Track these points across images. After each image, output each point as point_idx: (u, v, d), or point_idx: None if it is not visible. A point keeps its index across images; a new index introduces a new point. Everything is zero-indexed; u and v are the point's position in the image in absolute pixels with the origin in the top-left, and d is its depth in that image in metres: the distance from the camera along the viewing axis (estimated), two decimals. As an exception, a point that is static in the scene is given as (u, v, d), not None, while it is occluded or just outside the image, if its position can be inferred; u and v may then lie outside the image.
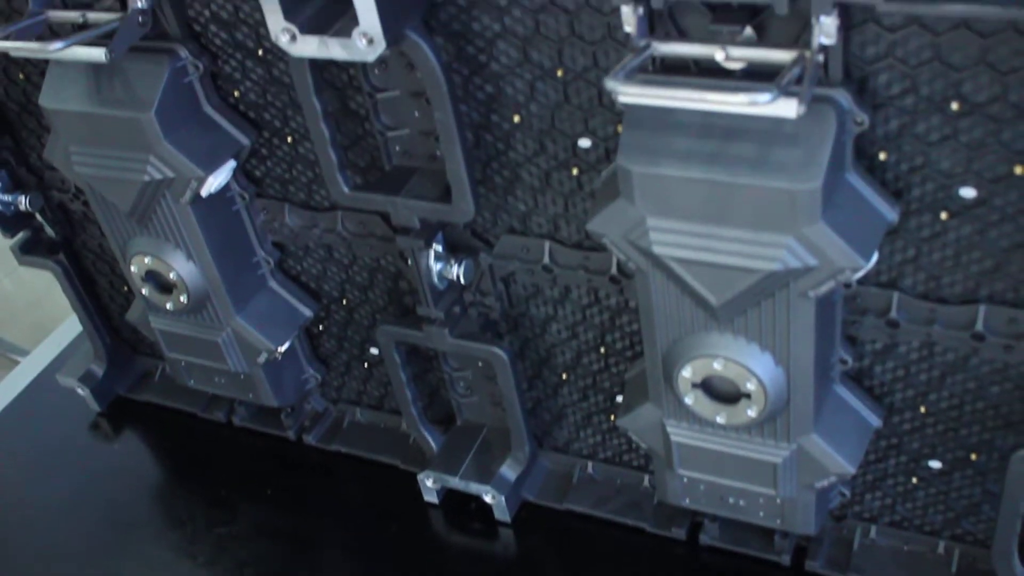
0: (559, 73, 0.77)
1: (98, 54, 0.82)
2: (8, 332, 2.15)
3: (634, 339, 0.91)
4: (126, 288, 1.19)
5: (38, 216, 1.17)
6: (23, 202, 1.13)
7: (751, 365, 0.75)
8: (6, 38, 0.85)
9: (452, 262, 0.89)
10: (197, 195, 0.92)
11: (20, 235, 1.18)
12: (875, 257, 0.72)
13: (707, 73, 0.69)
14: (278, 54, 0.87)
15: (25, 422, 1.30)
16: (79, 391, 1.26)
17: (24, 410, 1.32)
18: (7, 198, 1.13)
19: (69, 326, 1.41)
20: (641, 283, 0.75)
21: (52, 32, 0.95)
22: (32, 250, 1.18)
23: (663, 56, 0.69)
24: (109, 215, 0.99)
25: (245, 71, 0.90)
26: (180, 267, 0.98)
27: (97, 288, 1.23)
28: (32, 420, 1.30)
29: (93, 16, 0.87)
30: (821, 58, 0.65)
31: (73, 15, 0.87)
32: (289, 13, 0.74)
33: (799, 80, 0.63)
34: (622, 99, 0.65)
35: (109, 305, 1.24)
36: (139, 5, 0.84)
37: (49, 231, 1.18)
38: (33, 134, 1.10)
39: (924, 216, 0.73)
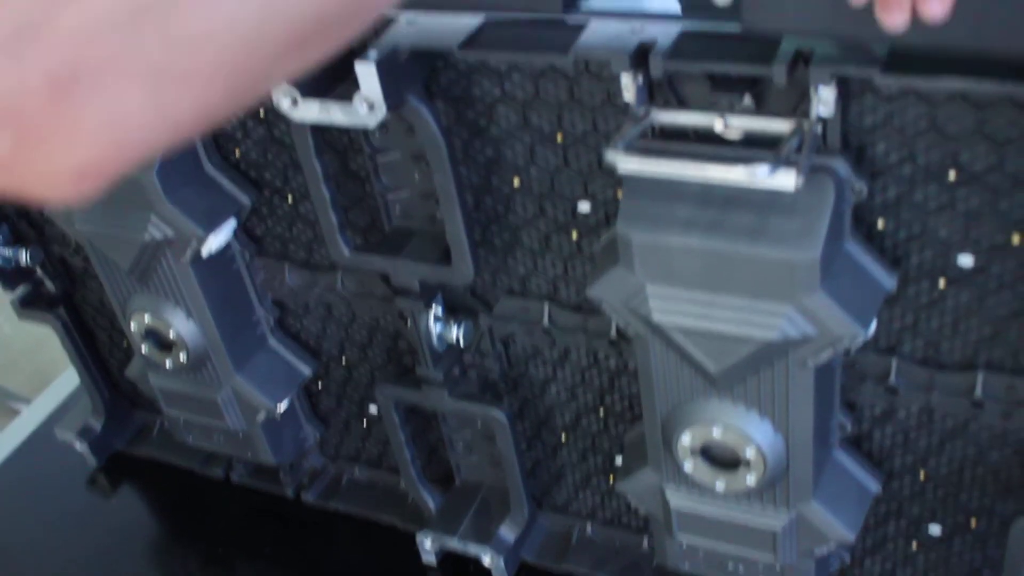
0: (558, 137, 0.77)
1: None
2: (8, 379, 2.14)
3: (633, 401, 0.91)
4: (126, 342, 1.19)
5: (38, 270, 1.17)
6: (24, 256, 1.13)
7: (750, 432, 0.75)
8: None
9: (451, 324, 0.89)
10: (197, 254, 0.92)
11: (20, 288, 1.18)
12: (873, 325, 0.72)
13: (707, 139, 0.69)
14: (279, 114, 0.88)
15: (23, 476, 1.29)
16: (77, 446, 1.26)
17: (22, 464, 1.31)
18: (7, 252, 1.13)
19: (69, 376, 1.41)
20: (640, 349, 0.75)
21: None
22: (32, 304, 1.18)
23: (662, 125, 0.70)
24: (109, 272, 0.99)
25: (246, 130, 0.91)
26: (180, 325, 0.98)
27: (97, 342, 1.23)
28: (30, 474, 1.29)
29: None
30: (819, 128, 0.66)
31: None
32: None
33: (798, 149, 0.64)
34: (622, 169, 0.65)
35: (108, 359, 1.24)
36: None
37: (49, 285, 1.18)
38: (35, 190, 1.10)
39: (923, 283, 0.73)
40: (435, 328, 0.89)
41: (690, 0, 0.69)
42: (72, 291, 1.19)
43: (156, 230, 0.90)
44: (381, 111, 0.73)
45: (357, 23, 0.38)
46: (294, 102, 0.75)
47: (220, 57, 0.34)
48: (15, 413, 1.82)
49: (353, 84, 0.73)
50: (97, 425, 1.26)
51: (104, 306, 1.17)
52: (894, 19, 0.51)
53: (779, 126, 0.65)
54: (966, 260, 0.71)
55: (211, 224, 0.91)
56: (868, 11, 0.52)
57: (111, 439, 1.27)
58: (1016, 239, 0.68)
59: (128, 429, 1.29)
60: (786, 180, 0.61)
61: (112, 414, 1.27)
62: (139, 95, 0.33)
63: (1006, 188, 0.67)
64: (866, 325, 0.69)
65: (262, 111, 0.89)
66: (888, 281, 0.72)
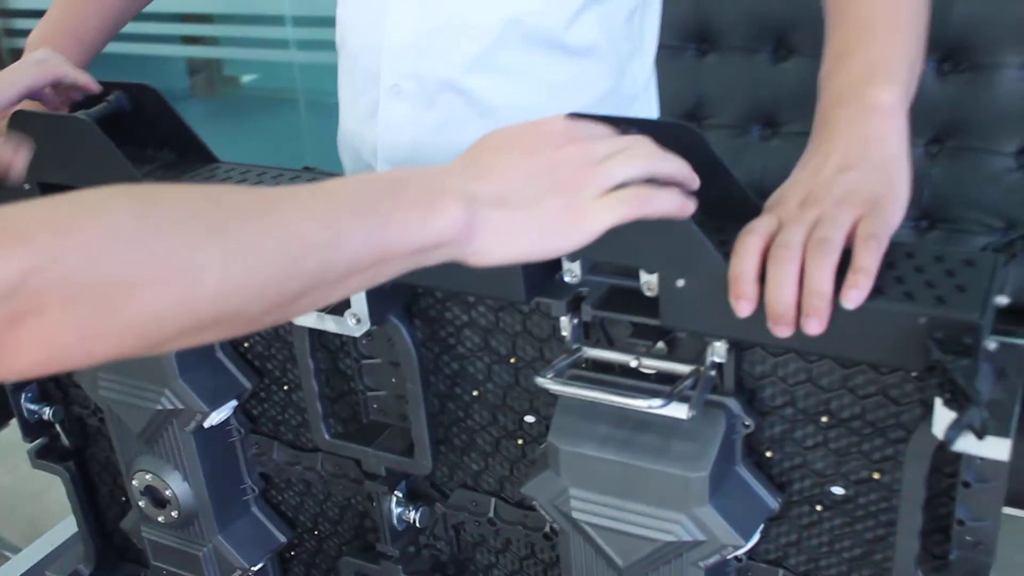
0: (512, 360, 0.93)
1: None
2: (2, 528, 2.26)
3: (563, 590, 1.03)
4: (124, 498, 1.32)
5: (57, 426, 1.31)
6: (47, 412, 1.27)
7: (650, 622, 0.88)
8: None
9: (411, 508, 1.03)
10: (200, 426, 1.07)
11: (38, 441, 1.32)
12: (756, 537, 0.86)
13: (628, 372, 0.85)
14: (285, 315, 1.04)
15: (11, 615, 1.40)
16: (64, 590, 1.37)
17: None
18: (33, 407, 1.27)
19: (60, 528, 1.52)
20: (563, 542, 0.89)
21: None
22: (46, 455, 1.32)
23: (591, 358, 0.86)
24: (121, 434, 1.14)
25: (256, 326, 1.07)
26: (176, 486, 1.12)
27: (98, 496, 1.36)
28: (17, 615, 1.40)
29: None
30: (714, 373, 0.81)
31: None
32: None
33: (693, 387, 0.80)
34: (550, 389, 0.81)
35: (106, 512, 1.37)
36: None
37: (64, 440, 1.32)
38: (65, 356, 1.25)
39: (803, 507, 0.87)
40: (396, 510, 1.03)
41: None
42: (84, 447, 1.32)
43: (168, 402, 1.05)
44: (366, 325, 0.89)
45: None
46: (297, 310, 0.91)
47: (143, 331, 0.55)
48: (6, 560, 1.93)
49: (346, 302, 0.89)
50: (86, 572, 1.38)
51: (110, 464, 1.31)
52: (781, 331, 0.71)
53: (681, 369, 0.81)
54: (838, 490, 0.84)
55: (215, 401, 1.06)
56: (760, 320, 0.70)
57: (97, 587, 1.39)
58: (876, 476, 0.82)
59: (113, 580, 1.40)
60: (678, 411, 0.77)
61: (101, 564, 1.38)
62: (71, 338, 0.53)
63: (867, 434, 0.81)
64: (748, 537, 0.83)
65: (270, 310, 1.05)
66: (772, 502, 0.86)
